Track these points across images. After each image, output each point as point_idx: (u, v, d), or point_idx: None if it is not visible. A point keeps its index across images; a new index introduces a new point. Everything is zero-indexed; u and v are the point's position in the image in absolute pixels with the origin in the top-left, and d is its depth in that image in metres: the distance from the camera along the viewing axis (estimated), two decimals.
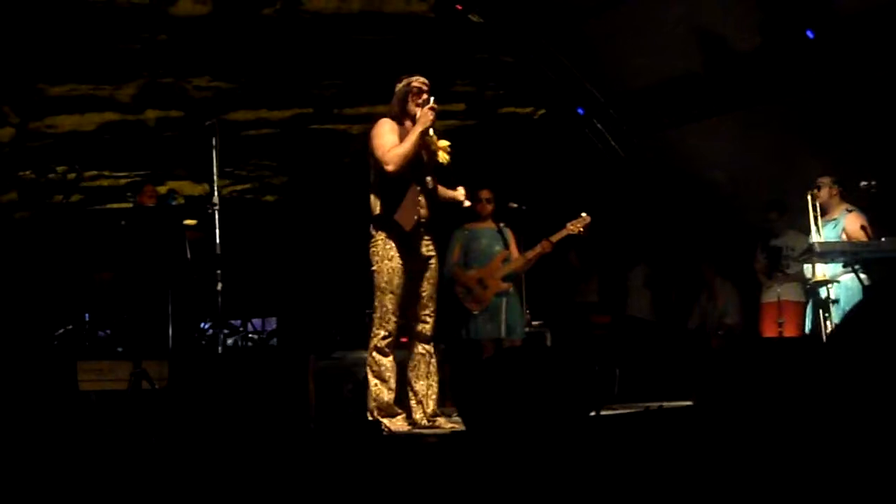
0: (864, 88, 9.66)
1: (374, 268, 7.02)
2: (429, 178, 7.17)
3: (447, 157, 7.12)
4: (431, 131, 7.00)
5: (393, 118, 7.11)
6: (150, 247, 7.85)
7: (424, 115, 6.93)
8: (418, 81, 7.13)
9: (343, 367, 8.94)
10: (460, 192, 7.51)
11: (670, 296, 11.93)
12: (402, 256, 7.00)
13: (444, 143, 7.11)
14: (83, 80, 12.23)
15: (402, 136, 7.00)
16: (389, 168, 6.90)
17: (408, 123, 7.09)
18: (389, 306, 6.97)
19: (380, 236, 7.03)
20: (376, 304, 7.02)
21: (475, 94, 13.44)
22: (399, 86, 7.16)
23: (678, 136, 11.28)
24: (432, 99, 7.01)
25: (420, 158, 7.07)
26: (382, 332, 7.00)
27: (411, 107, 7.08)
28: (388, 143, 6.96)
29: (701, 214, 9.37)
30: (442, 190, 7.42)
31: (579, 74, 11.70)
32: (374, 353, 7.01)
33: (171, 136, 12.69)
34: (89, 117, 12.50)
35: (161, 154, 12.73)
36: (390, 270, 6.97)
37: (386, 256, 6.98)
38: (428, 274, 7.19)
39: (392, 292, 6.98)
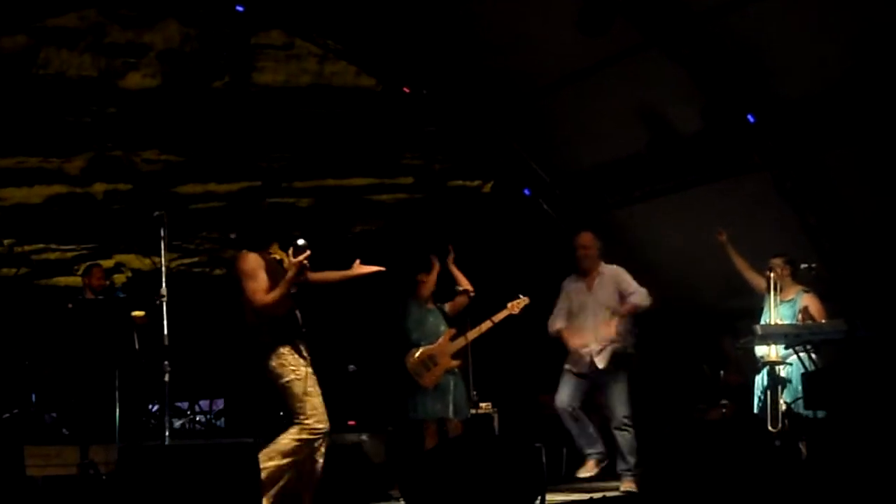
0: (807, 170, 9.87)
1: (286, 380, 6.70)
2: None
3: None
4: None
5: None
6: (98, 338, 7.88)
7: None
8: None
9: None
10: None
11: None
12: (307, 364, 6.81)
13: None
14: (32, 152, 12.23)
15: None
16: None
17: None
18: (320, 405, 6.72)
19: (284, 349, 6.74)
20: (306, 408, 6.66)
21: (423, 167, 13.55)
22: None
23: (625, 216, 11.40)
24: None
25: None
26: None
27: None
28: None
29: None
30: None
31: (526, 154, 11.83)
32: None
33: (119, 209, 12.68)
34: (37, 190, 12.47)
35: (109, 227, 12.68)
36: (309, 375, 6.72)
37: (300, 364, 6.73)
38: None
39: (319, 393, 6.77)
